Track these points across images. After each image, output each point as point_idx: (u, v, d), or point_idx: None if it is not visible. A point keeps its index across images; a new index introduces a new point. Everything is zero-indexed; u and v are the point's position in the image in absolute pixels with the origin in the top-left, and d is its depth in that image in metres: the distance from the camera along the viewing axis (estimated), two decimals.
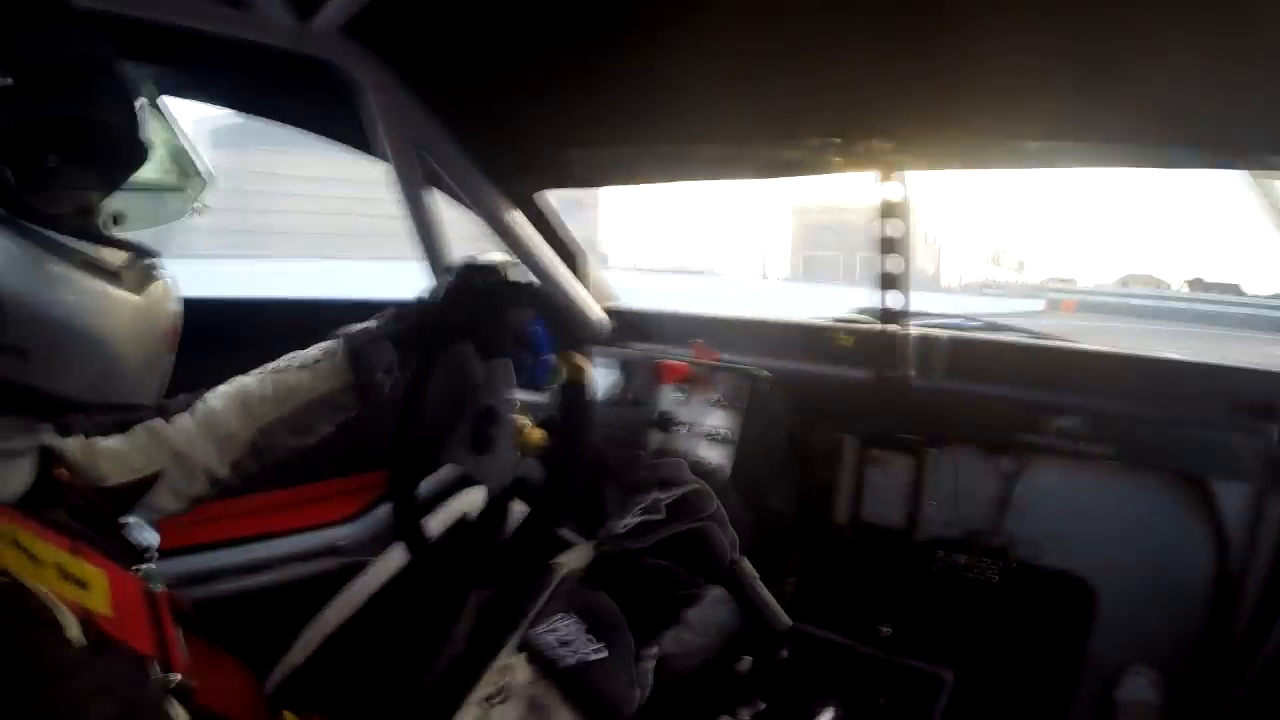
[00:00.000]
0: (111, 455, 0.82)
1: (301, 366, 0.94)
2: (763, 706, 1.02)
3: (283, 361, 0.95)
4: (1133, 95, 0.89)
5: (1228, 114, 0.88)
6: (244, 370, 0.95)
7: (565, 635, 0.57)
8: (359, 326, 0.97)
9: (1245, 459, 1.00)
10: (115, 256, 0.61)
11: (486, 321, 0.98)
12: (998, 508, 1.18)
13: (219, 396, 0.92)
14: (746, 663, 1.05)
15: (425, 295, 1.00)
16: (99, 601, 0.54)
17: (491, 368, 1.01)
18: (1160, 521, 1.09)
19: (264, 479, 0.95)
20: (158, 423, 0.87)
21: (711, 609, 1.09)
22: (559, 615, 0.59)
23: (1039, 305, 16.23)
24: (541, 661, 0.57)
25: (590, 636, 0.57)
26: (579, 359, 0.92)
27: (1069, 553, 1.15)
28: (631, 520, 0.64)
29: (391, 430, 0.98)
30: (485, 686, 0.57)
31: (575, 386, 0.91)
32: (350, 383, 0.94)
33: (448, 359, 0.99)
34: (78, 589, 0.53)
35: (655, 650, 0.63)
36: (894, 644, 1.16)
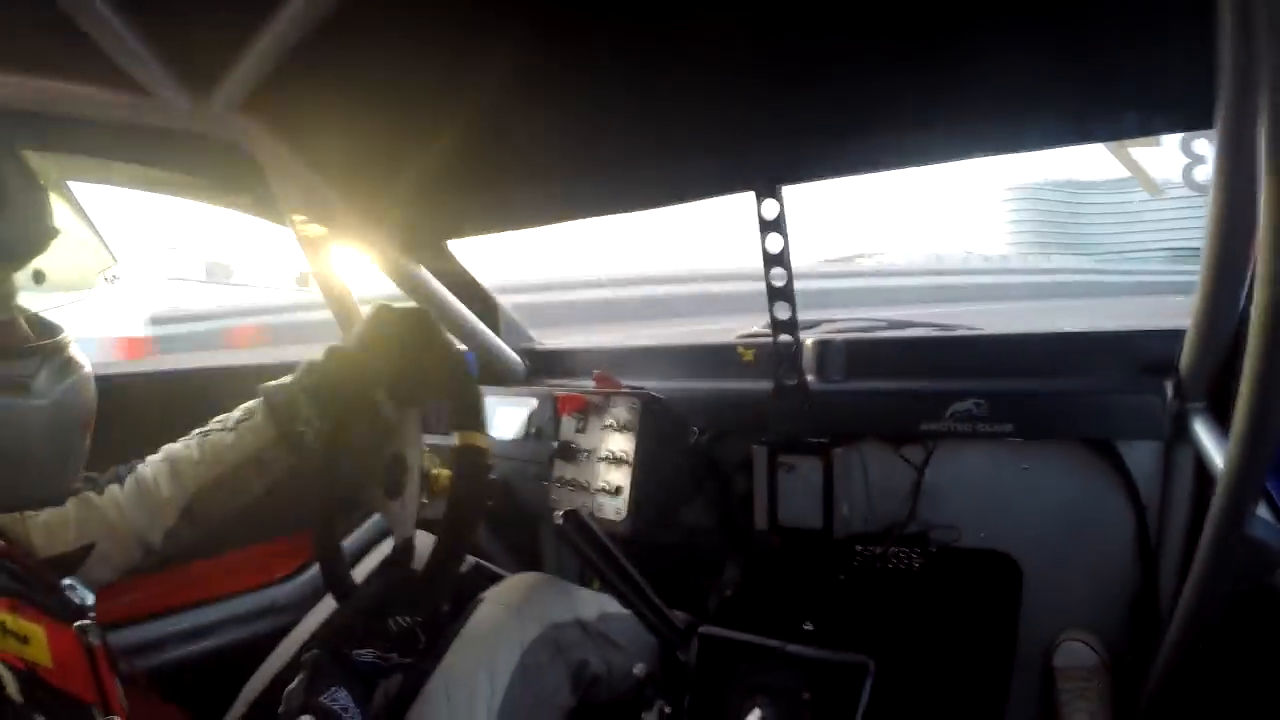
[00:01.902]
0: (44, 529, 0.83)
1: (226, 428, 0.96)
2: (668, 710, 1.04)
3: (209, 425, 0.97)
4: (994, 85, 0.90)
5: (1075, 91, 0.89)
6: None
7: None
8: (276, 383, 1.00)
9: (1146, 417, 1.02)
10: (25, 367, 0.65)
11: (399, 368, 1.00)
12: (911, 497, 1.21)
13: (150, 465, 0.93)
14: (641, 669, 1.06)
15: (338, 345, 1.02)
16: (40, 654, 0.60)
17: (402, 414, 1.03)
18: (1075, 489, 1.12)
19: (203, 544, 0.97)
20: (90, 495, 0.88)
21: (639, 629, 1.12)
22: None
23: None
24: None
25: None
26: (475, 438, 0.91)
27: (989, 532, 1.17)
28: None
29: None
30: None
31: (471, 454, 0.91)
32: (274, 438, 0.96)
33: (363, 406, 1.01)
34: (19, 644, 0.58)
35: None
36: (824, 641, 1.18)
